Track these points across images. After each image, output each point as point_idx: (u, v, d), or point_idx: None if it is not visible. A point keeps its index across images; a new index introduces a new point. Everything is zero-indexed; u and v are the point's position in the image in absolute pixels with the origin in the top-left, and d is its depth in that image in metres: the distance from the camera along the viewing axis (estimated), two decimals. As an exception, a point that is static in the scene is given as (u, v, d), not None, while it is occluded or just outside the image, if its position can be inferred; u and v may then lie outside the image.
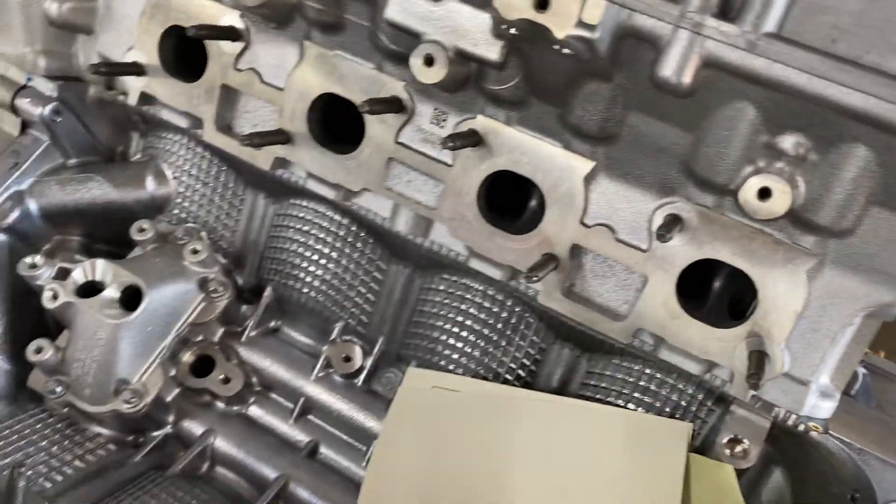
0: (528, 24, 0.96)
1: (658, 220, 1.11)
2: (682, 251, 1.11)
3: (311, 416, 1.46)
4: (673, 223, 1.07)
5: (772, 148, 0.99)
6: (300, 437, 1.44)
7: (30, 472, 1.25)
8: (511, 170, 1.18)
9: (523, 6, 0.94)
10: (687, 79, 0.95)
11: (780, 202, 0.99)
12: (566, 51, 0.97)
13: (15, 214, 1.43)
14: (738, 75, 0.93)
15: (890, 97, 0.86)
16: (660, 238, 1.03)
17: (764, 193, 1.00)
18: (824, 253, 1.04)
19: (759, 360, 1.07)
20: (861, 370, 1.46)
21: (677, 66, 0.94)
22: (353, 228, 1.39)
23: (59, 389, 1.33)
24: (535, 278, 1.12)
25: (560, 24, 0.93)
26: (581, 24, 0.93)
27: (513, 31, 0.99)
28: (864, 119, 0.89)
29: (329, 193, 1.34)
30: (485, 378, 1.33)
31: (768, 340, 1.09)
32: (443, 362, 1.36)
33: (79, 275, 1.35)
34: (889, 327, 1.22)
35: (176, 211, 1.52)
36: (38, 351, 1.32)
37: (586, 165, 1.13)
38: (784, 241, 1.05)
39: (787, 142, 0.97)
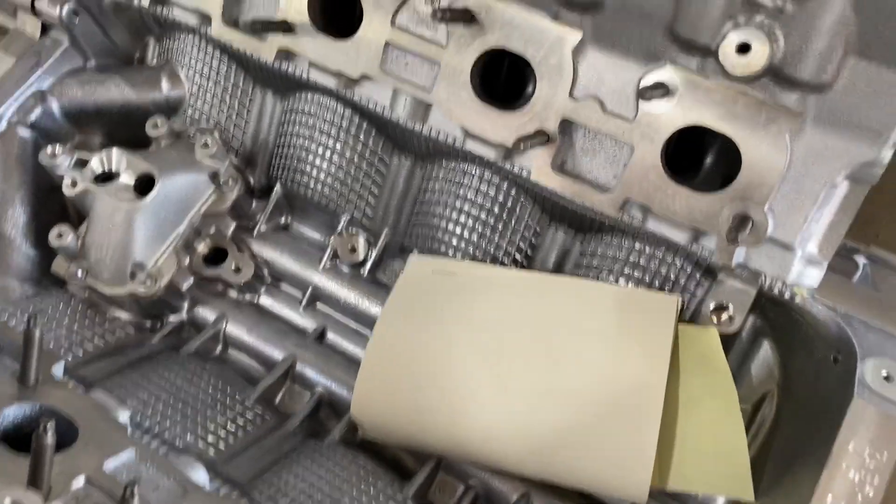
0: None
1: (643, 87, 1.12)
2: (667, 118, 1.13)
3: (318, 305, 1.51)
4: (657, 88, 1.09)
5: (751, 2, 1.00)
6: (309, 324, 1.50)
7: (51, 345, 1.33)
8: (503, 46, 1.21)
9: None
10: (664, -70, 0.97)
11: (759, 56, 1.00)
12: None
13: (37, 112, 1.50)
14: (713, -77, 0.95)
15: (861, -67, 0.87)
16: (641, 96, 1.05)
17: (743, 49, 1.01)
18: (805, 110, 1.05)
19: (741, 220, 1.09)
20: (862, 259, 1.47)
21: (654, -84, 0.96)
22: (356, 120, 1.44)
23: (79, 273, 1.40)
24: (522, 146, 1.15)
25: None
26: None
27: None
28: (837, -40, 0.90)
29: (330, 82, 1.38)
30: (483, 262, 1.37)
31: (752, 204, 1.10)
32: (443, 248, 1.40)
33: (96, 164, 1.41)
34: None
35: (189, 111, 1.58)
36: (60, 236, 1.40)
37: (575, 36, 1.16)
38: (766, 102, 1.06)
39: (765, -7, 0.98)
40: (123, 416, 1.12)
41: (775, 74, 1.03)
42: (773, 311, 1.21)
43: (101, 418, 1.07)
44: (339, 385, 1.41)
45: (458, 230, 1.38)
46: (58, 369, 1.16)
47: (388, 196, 1.47)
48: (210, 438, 1.24)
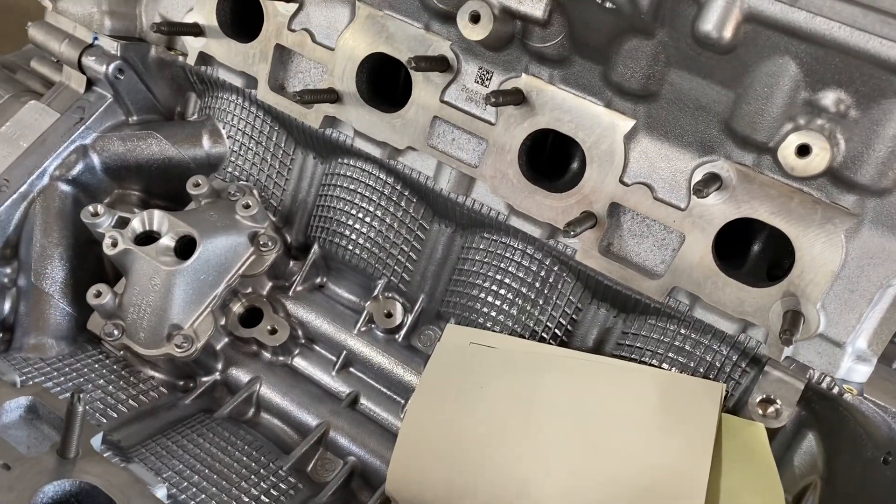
0: (572, -23, 0.98)
1: (697, 179, 1.11)
2: (720, 210, 1.12)
3: (352, 369, 1.51)
4: (711, 181, 1.08)
5: (812, 105, 0.99)
6: (341, 388, 1.49)
7: (87, 407, 1.33)
8: (553, 128, 1.20)
9: (567, -41, 0.97)
10: (728, 33, 0.96)
11: (819, 159, 0.99)
12: (608, 4, 0.99)
13: (79, 167, 1.51)
14: (779, 29, 0.94)
15: (932, 50, 0.86)
16: (696, 193, 1.04)
17: (803, 150, 1.00)
18: (863, 212, 1.04)
19: (793, 318, 1.07)
20: (904, 344, 1.45)
21: (718, 20, 0.95)
22: (398, 188, 1.43)
23: (115, 332, 1.40)
24: (572, 232, 1.14)
25: (602, -24, 0.95)
26: (623, -24, 0.95)
27: (557, -15, 1.02)
28: (906, 73, 0.89)
29: (375, 151, 1.38)
30: (522, 336, 1.36)
31: (804, 300, 1.09)
32: (481, 319, 1.39)
33: (137, 224, 1.41)
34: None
35: (230, 169, 1.58)
36: (98, 295, 1.39)
37: (627, 123, 1.15)
38: (823, 200, 1.05)
39: (828, 98, 0.97)
40: (161, 491, 1.11)
41: (833, 176, 1.02)
42: (820, 405, 1.19)
43: (140, 494, 1.07)
44: (371, 455, 1.40)
45: (498, 302, 1.37)
46: (96, 441, 1.15)
47: (426, 262, 1.47)
48: (245, 512, 1.23)
